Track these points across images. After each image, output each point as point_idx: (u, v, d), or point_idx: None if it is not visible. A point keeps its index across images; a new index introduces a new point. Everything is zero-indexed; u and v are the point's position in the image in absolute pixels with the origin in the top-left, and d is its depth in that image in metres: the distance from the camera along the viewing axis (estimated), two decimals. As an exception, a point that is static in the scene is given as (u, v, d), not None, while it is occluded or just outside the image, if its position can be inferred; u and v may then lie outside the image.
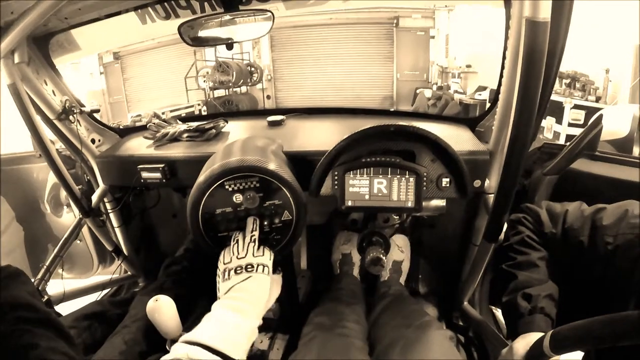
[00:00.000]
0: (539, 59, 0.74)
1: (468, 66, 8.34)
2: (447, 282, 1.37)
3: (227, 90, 8.84)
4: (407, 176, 1.00)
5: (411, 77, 9.41)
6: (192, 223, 0.93)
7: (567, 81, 4.91)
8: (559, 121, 4.68)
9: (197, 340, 0.66)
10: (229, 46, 1.13)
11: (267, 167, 0.91)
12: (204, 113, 7.48)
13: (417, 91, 8.65)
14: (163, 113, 1.58)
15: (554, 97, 4.79)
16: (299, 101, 9.68)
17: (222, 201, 0.92)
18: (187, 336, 0.69)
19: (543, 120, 4.79)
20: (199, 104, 8.11)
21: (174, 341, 0.91)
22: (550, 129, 4.70)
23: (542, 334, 0.73)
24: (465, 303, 1.27)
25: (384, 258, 1.04)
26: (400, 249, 1.43)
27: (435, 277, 1.55)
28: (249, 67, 9.19)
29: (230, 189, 0.91)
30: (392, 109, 8.72)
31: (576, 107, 4.55)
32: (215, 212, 0.93)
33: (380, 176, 1.01)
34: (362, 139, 0.97)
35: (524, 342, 0.79)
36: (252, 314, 0.76)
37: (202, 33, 1.16)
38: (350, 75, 9.63)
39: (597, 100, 4.53)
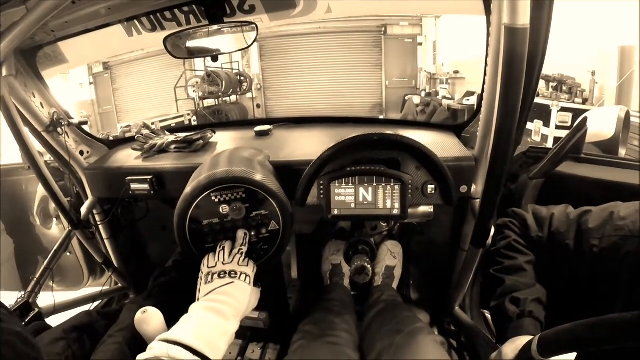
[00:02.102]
0: (519, 64, 0.74)
1: (456, 72, 8.40)
2: (438, 288, 1.37)
3: (216, 99, 8.85)
4: (392, 184, 1.00)
5: (400, 84, 9.49)
6: (179, 234, 0.93)
7: (554, 84, 4.96)
8: (547, 124, 4.72)
9: (177, 339, 0.66)
10: (214, 58, 1.13)
11: (253, 177, 0.91)
12: (193, 123, 7.46)
13: (406, 98, 8.69)
14: (153, 123, 1.58)
15: (541, 100, 4.87)
16: (288, 109, 9.72)
17: (208, 212, 0.92)
18: (166, 335, 0.69)
19: (530, 124, 4.86)
20: (188, 114, 8.08)
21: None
22: (538, 132, 4.75)
23: (531, 337, 0.74)
24: (457, 308, 1.28)
25: (368, 267, 1.04)
26: (393, 254, 1.43)
27: (426, 283, 1.56)
28: (238, 77, 9.20)
29: (216, 200, 0.91)
30: (380, 117, 8.78)
31: (563, 109, 4.59)
32: (202, 223, 0.93)
33: (366, 184, 1.01)
34: (347, 148, 0.97)
35: (512, 346, 0.79)
36: (232, 317, 0.77)
37: (187, 45, 1.16)
38: (339, 83, 9.69)
39: (584, 102, 4.58)
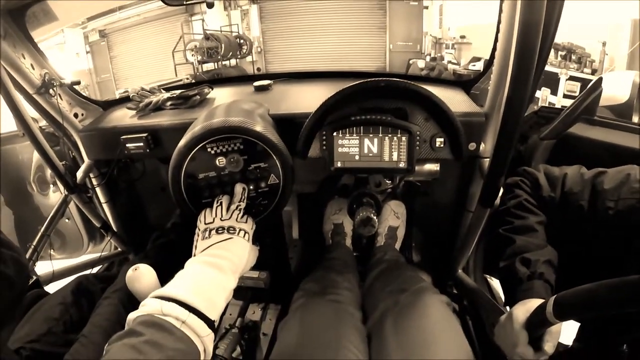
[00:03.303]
0: (536, 26, 0.71)
1: (462, 37, 8.21)
2: (440, 251, 1.35)
3: (215, 63, 8.61)
4: (399, 135, 0.95)
5: (404, 48, 9.33)
6: (174, 189, 0.90)
7: (563, 53, 4.84)
8: (554, 92, 4.63)
9: (171, 295, 0.62)
10: (210, 5, 1.07)
11: (251, 127, 0.86)
12: None
13: (410, 62, 8.54)
14: (151, 88, 1.52)
15: (549, 68, 4.75)
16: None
17: (204, 165, 0.88)
18: (160, 291, 0.64)
19: (538, 92, 4.78)
20: (187, 78, 7.76)
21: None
22: (545, 100, 4.66)
23: (542, 300, 0.70)
24: (460, 271, 1.25)
25: (374, 218, 1.00)
26: (396, 214, 1.41)
27: (429, 245, 1.54)
28: (237, 40, 8.98)
29: (212, 152, 0.88)
30: (387, 72, 8.62)
31: (571, 78, 4.50)
32: (197, 177, 0.89)
33: (371, 135, 0.96)
34: (351, 95, 0.92)
35: (523, 309, 0.75)
36: (230, 272, 0.72)
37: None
38: (342, 47, 9.50)
39: (593, 72, 4.48)
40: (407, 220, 1.48)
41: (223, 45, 7.99)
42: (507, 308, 0.84)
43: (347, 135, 0.97)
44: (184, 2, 1.08)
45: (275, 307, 1.32)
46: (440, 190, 1.34)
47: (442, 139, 0.97)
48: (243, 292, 1.26)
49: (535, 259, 0.84)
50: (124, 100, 1.45)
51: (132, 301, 0.96)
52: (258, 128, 0.87)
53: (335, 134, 0.97)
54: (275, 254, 1.33)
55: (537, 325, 0.70)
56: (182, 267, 0.74)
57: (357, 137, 0.97)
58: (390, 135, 0.96)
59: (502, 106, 0.84)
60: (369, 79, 0.92)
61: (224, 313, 1.27)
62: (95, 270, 1.59)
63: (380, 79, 0.92)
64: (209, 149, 0.87)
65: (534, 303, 0.73)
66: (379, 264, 1.22)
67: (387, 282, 1.08)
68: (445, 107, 0.92)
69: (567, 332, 0.83)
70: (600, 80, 1.23)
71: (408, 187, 1.46)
